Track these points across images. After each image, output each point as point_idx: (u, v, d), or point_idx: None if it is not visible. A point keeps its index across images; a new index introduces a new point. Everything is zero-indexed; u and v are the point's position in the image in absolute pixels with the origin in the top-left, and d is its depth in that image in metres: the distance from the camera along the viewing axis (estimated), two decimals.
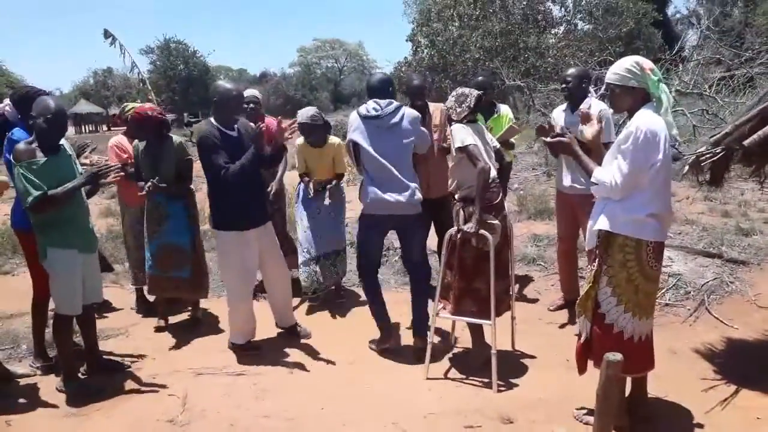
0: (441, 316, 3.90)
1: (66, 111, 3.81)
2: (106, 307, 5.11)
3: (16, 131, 3.83)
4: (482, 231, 3.60)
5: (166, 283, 4.68)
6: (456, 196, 3.82)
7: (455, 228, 3.72)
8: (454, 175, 3.84)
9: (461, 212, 3.73)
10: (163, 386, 3.79)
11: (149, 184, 4.47)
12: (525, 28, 23.97)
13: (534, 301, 5.19)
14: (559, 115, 4.64)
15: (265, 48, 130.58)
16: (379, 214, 3.96)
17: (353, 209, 8.96)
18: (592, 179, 3.07)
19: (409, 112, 3.98)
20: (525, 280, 5.69)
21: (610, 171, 2.97)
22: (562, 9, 25.72)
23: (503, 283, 3.86)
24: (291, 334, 4.52)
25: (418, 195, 3.94)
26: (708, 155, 3.34)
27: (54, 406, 3.57)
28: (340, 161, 5.15)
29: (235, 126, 4.03)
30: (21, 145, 3.51)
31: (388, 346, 4.22)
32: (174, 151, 4.61)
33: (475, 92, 3.83)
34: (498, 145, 4.05)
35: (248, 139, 3.98)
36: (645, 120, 2.88)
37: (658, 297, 4.84)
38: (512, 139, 5.07)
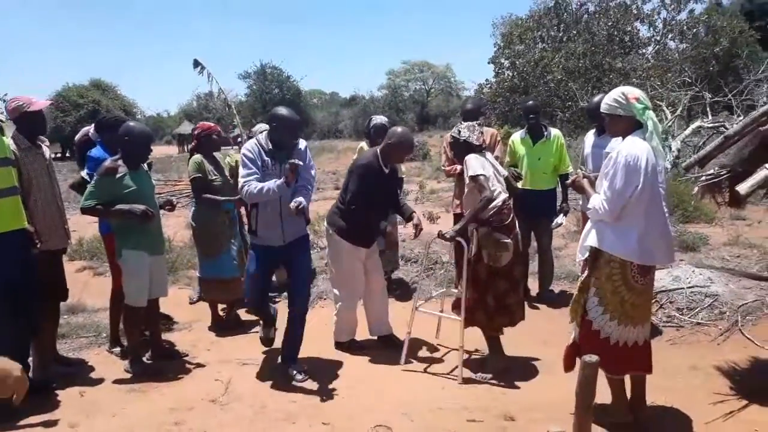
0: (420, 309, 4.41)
1: (150, 134, 4.41)
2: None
3: (94, 150, 4.57)
4: (458, 238, 4.06)
5: (239, 284, 5.02)
6: None
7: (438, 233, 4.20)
8: (467, 200, 4.18)
9: (475, 232, 4.04)
10: (212, 372, 4.31)
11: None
12: (610, 49, 23.58)
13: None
14: (589, 138, 4.93)
15: (356, 72, 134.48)
16: None
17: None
18: (588, 205, 3.32)
19: None
20: (565, 297, 5.82)
21: (599, 197, 3.20)
22: (651, 29, 25.05)
23: (515, 296, 4.11)
24: (386, 343, 4.70)
25: None
26: (709, 177, 3.47)
27: (119, 382, 4.17)
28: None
29: (389, 165, 4.45)
30: (108, 161, 4.17)
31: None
32: (225, 161, 5.24)
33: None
34: (506, 174, 4.38)
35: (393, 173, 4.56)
36: (627, 145, 3.10)
37: (689, 316, 4.93)
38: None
